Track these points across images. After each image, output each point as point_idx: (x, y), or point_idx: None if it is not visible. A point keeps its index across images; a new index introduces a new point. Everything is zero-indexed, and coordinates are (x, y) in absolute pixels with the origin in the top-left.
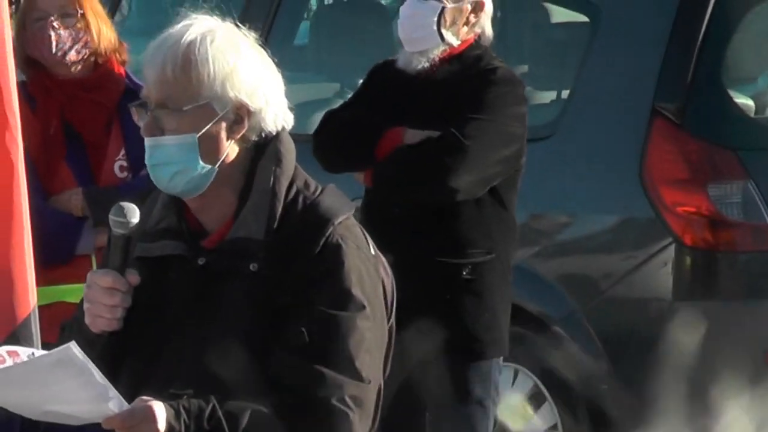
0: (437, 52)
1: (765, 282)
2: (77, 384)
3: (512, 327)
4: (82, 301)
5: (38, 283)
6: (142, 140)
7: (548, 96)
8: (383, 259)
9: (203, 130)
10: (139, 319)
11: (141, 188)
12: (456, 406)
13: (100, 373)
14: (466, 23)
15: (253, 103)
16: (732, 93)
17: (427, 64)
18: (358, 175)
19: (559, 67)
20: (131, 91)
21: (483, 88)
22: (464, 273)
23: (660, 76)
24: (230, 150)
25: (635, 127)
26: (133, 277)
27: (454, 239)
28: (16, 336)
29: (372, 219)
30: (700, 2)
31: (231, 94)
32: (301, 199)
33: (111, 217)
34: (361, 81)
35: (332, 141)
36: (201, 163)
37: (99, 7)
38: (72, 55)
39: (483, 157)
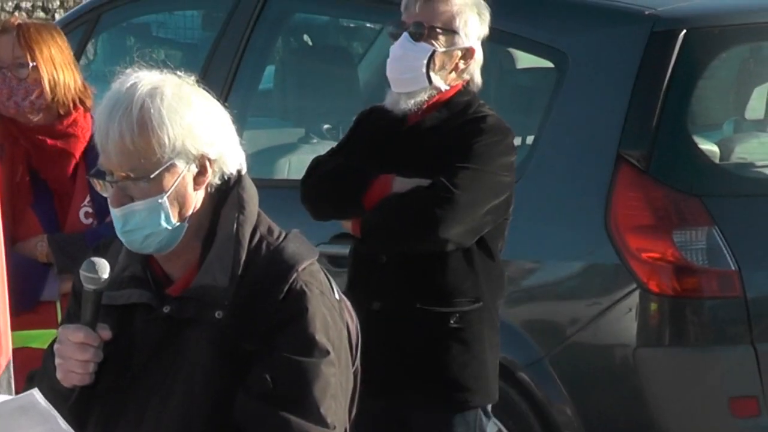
0: (425, 96)
1: (730, 328)
2: (42, 431)
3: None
4: (50, 352)
5: None
6: None
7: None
8: (347, 302)
9: (170, 190)
10: (105, 367)
11: (106, 235)
12: None
13: (64, 421)
14: (455, 69)
15: (213, 152)
16: (697, 139)
17: (414, 107)
18: (346, 224)
19: (524, 113)
20: None
21: (473, 136)
22: (452, 321)
23: (625, 122)
24: (196, 198)
25: (600, 174)
26: (105, 333)
27: (441, 288)
28: None
29: (359, 266)
30: (665, 49)
31: (191, 148)
32: (264, 246)
33: (82, 272)
34: (325, 126)
35: (320, 189)
36: (173, 221)
37: (59, 55)
38: (26, 106)
39: (473, 207)
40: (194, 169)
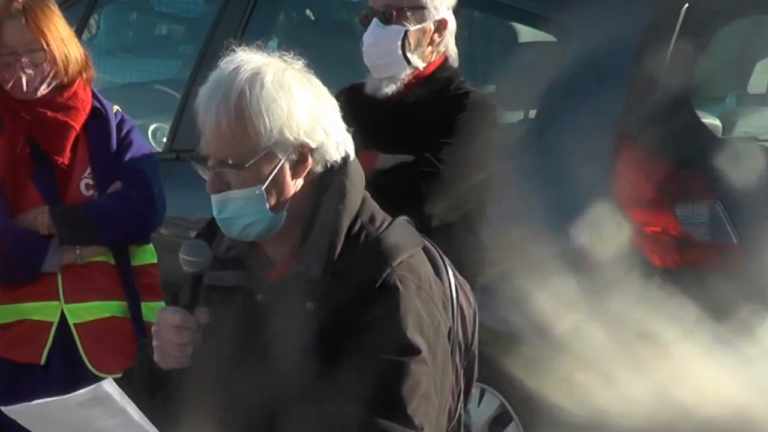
0: (405, 75)
1: (731, 302)
2: (115, 423)
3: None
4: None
5: (4, 301)
6: (108, 159)
7: (515, 116)
8: (466, 285)
9: (269, 180)
10: (203, 348)
11: (107, 206)
12: None
13: (139, 412)
14: (431, 43)
15: (313, 140)
16: (699, 113)
17: (396, 89)
18: None
19: (526, 87)
20: (97, 111)
21: (456, 112)
22: None
23: (628, 96)
24: (296, 187)
25: (603, 148)
26: (203, 316)
27: None
28: None
29: None
30: (667, 22)
31: (290, 137)
32: (363, 236)
33: (181, 255)
34: None
35: None
36: (270, 211)
37: (64, 30)
38: (43, 89)
39: (457, 182)
40: (293, 158)
